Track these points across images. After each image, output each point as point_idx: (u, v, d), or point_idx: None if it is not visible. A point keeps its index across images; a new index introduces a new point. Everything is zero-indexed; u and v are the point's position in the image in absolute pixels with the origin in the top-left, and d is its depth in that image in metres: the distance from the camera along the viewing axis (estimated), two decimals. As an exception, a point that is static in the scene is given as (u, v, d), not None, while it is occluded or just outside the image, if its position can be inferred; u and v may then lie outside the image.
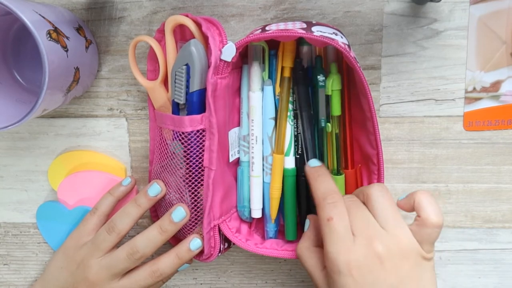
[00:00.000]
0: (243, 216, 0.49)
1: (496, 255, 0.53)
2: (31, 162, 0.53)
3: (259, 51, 0.45)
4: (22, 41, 0.48)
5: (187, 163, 0.45)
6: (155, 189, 0.46)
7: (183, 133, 0.44)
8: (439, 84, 0.49)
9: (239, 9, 0.48)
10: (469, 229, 0.53)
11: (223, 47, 0.42)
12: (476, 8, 0.47)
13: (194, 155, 0.44)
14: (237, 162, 0.49)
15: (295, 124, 0.46)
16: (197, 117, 0.43)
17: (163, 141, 0.46)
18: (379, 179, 0.44)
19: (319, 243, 0.42)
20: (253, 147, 0.47)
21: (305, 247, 0.42)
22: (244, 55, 0.46)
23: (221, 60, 0.42)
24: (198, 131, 0.44)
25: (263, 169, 0.47)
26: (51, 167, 0.52)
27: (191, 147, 0.44)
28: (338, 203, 0.39)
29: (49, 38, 0.39)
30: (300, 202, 0.48)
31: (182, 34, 0.46)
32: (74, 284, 0.47)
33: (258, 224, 0.50)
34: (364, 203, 0.41)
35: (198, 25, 0.43)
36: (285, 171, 0.46)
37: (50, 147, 0.52)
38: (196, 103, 0.43)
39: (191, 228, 0.47)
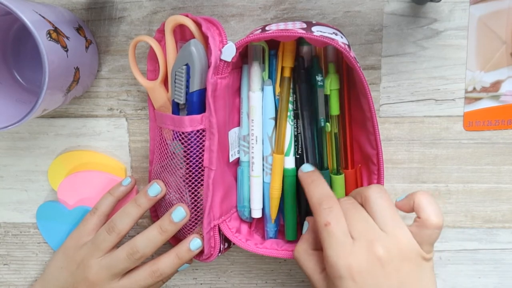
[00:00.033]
0: (243, 216, 0.49)
1: (496, 255, 0.53)
2: (31, 162, 0.53)
3: (259, 51, 0.45)
4: (22, 41, 0.48)
5: (187, 163, 0.45)
6: (155, 189, 0.46)
7: (183, 133, 0.44)
8: (439, 84, 0.49)
9: (239, 9, 0.48)
10: (469, 229, 0.53)
11: (223, 47, 0.42)
12: (476, 8, 0.47)
13: (194, 155, 0.44)
14: (237, 162, 0.49)
15: (295, 124, 0.46)
16: (197, 117, 0.43)
17: (163, 141, 0.46)
18: (379, 179, 0.44)
19: (318, 246, 0.42)
20: (253, 147, 0.47)
21: (303, 250, 0.42)
22: (244, 55, 0.46)
23: (221, 60, 0.42)
24: (198, 131, 0.44)
25: (263, 169, 0.47)
26: (51, 167, 0.52)
27: (191, 147, 0.44)
28: (334, 207, 0.39)
29: (49, 38, 0.39)
30: (300, 202, 0.48)
31: (182, 34, 0.46)
32: (74, 284, 0.47)
33: (258, 224, 0.50)
34: (362, 205, 0.40)
35: (198, 25, 0.43)
36: (285, 171, 0.46)
37: (50, 147, 0.52)
38: (196, 103, 0.43)
39: (191, 228, 0.47)
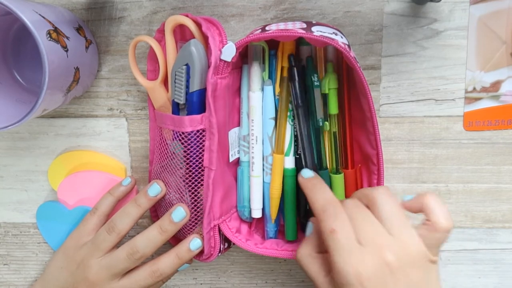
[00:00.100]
0: (243, 216, 0.49)
1: (496, 255, 0.53)
2: (31, 162, 0.53)
3: (259, 51, 0.45)
4: (22, 41, 0.48)
5: (187, 163, 0.45)
6: (155, 189, 0.46)
7: (183, 133, 0.44)
8: (439, 84, 0.49)
9: (239, 9, 0.48)
10: (469, 229, 0.53)
11: (223, 47, 0.42)
12: (476, 8, 0.47)
13: (194, 155, 0.44)
14: (237, 162, 0.49)
15: (295, 124, 0.46)
16: (197, 117, 0.43)
17: (163, 141, 0.46)
18: (379, 179, 0.44)
19: (322, 249, 0.41)
20: (253, 147, 0.47)
21: (307, 253, 0.41)
22: (244, 55, 0.46)
23: (221, 60, 0.42)
24: (198, 131, 0.44)
25: (263, 169, 0.47)
26: (51, 167, 0.52)
27: (191, 147, 0.44)
28: (339, 213, 0.38)
29: (49, 38, 0.39)
30: (300, 202, 0.48)
31: (182, 34, 0.46)
32: (74, 284, 0.47)
33: (258, 224, 0.50)
34: (367, 207, 0.39)
35: (198, 25, 0.43)
36: (285, 171, 0.46)
37: (50, 147, 0.52)
38: (196, 103, 0.43)
39: (191, 228, 0.47)
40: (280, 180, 0.46)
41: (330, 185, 0.47)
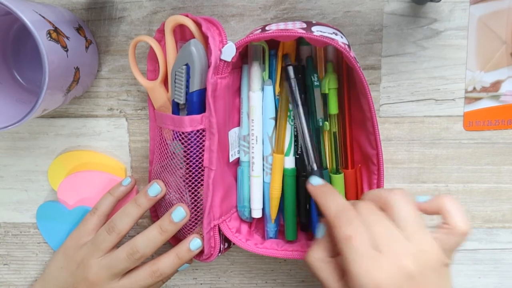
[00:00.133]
0: (243, 216, 0.49)
1: (496, 255, 0.53)
2: (31, 162, 0.53)
3: (259, 51, 0.45)
4: (22, 41, 0.48)
5: (187, 163, 0.45)
6: (155, 189, 0.46)
7: (183, 133, 0.44)
8: (439, 84, 0.49)
9: (239, 9, 0.48)
10: (469, 229, 0.53)
11: (223, 47, 0.42)
12: (476, 8, 0.47)
13: (194, 155, 0.44)
14: (237, 162, 0.49)
15: (296, 123, 0.46)
16: (197, 117, 0.43)
17: (163, 141, 0.46)
18: (379, 179, 0.44)
19: (333, 253, 0.39)
20: (253, 147, 0.47)
21: (319, 258, 0.39)
22: (244, 55, 0.46)
23: (221, 60, 0.42)
24: (198, 131, 0.44)
25: (263, 169, 0.47)
26: (51, 167, 0.52)
27: (191, 147, 0.44)
28: (353, 219, 0.37)
29: (49, 38, 0.39)
30: (300, 202, 0.48)
31: (182, 34, 0.46)
32: (74, 284, 0.47)
33: (258, 224, 0.50)
34: (381, 209, 0.38)
35: (198, 25, 0.43)
36: (285, 171, 0.46)
37: (50, 147, 0.52)
38: (196, 103, 0.43)
39: (191, 228, 0.47)
40: (280, 180, 0.46)
41: (330, 185, 0.47)
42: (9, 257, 0.56)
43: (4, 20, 0.46)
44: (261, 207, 0.48)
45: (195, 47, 0.42)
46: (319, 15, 0.48)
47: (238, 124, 0.48)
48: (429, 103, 0.49)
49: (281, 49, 0.45)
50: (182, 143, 0.44)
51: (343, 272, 0.37)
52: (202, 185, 0.45)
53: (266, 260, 0.55)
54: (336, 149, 0.46)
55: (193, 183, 0.45)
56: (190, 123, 0.43)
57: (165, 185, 0.47)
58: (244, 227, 0.49)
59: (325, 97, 0.45)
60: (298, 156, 0.47)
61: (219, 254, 0.48)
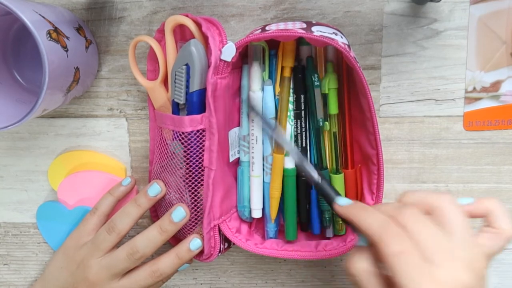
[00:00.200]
0: (243, 216, 0.49)
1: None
2: (31, 162, 0.53)
3: (259, 51, 0.45)
4: (22, 41, 0.48)
5: (187, 163, 0.45)
6: (155, 189, 0.46)
7: (183, 133, 0.44)
8: (439, 84, 0.49)
9: (239, 9, 0.48)
10: (469, 229, 0.53)
11: (223, 47, 0.42)
12: (476, 8, 0.47)
13: (194, 155, 0.44)
14: (237, 162, 0.49)
15: (295, 124, 0.46)
16: (197, 117, 0.43)
17: (163, 141, 0.46)
18: (379, 179, 0.44)
19: (376, 263, 0.36)
20: (253, 147, 0.47)
21: (365, 269, 0.36)
22: (244, 55, 0.46)
23: (221, 60, 0.42)
24: (198, 131, 0.44)
25: (263, 169, 0.47)
26: (51, 167, 0.52)
27: (191, 147, 0.44)
28: (400, 232, 0.34)
29: (49, 38, 0.39)
30: (300, 202, 0.48)
31: (182, 34, 0.46)
32: (74, 284, 0.47)
33: (258, 224, 0.50)
34: (426, 212, 0.36)
35: (198, 25, 0.43)
36: (285, 171, 0.46)
37: (50, 147, 0.52)
38: (196, 103, 0.43)
39: (191, 228, 0.47)
40: (280, 180, 0.46)
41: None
42: (9, 257, 0.56)
43: (4, 20, 0.46)
44: (261, 207, 0.48)
45: (195, 47, 0.42)
46: (319, 15, 0.48)
47: (238, 124, 0.48)
48: (429, 103, 0.49)
49: (281, 49, 0.45)
50: (182, 143, 0.44)
51: (390, 285, 0.35)
52: (202, 185, 0.45)
53: (266, 260, 0.55)
54: (336, 149, 0.46)
55: (193, 183, 0.45)
56: (190, 123, 0.43)
57: (165, 185, 0.47)
58: (244, 227, 0.49)
59: (325, 97, 0.45)
60: (298, 156, 0.47)
61: (219, 254, 0.48)
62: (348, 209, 0.38)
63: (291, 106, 0.46)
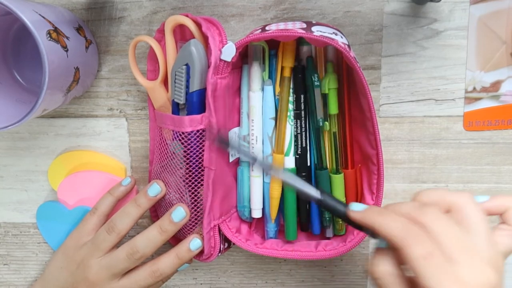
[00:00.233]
0: (243, 216, 0.49)
1: (496, 255, 0.53)
2: (31, 162, 0.53)
3: (259, 51, 0.45)
4: (22, 41, 0.48)
5: (187, 163, 0.45)
6: (155, 189, 0.46)
7: (183, 133, 0.44)
8: (439, 84, 0.49)
9: (239, 9, 0.48)
10: (469, 229, 0.53)
11: (223, 47, 0.42)
12: (476, 8, 0.47)
13: (194, 155, 0.44)
14: (237, 162, 0.49)
15: (295, 124, 0.46)
16: (197, 117, 0.43)
17: (163, 141, 0.46)
18: (379, 179, 0.44)
19: (400, 266, 0.36)
20: (253, 147, 0.47)
21: (389, 272, 0.35)
22: (244, 55, 0.46)
23: (221, 60, 0.42)
24: (198, 131, 0.44)
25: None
26: (51, 167, 0.52)
27: (191, 147, 0.44)
28: (422, 234, 0.33)
29: (49, 38, 0.39)
30: (300, 202, 0.48)
31: (182, 34, 0.46)
32: (74, 284, 0.47)
33: (258, 224, 0.50)
34: (446, 211, 0.36)
35: (198, 25, 0.43)
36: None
37: (50, 147, 0.52)
38: (196, 103, 0.43)
39: (191, 228, 0.47)
40: (280, 180, 0.46)
41: (330, 185, 0.47)
42: (9, 257, 0.56)
43: (4, 20, 0.46)
44: (261, 207, 0.48)
45: (195, 47, 0.42)
46: (319, 15, 0.48)
47: (238, 124, 0.48)
48: (429, 103, 0.49)
49: (281, 49, 0.45)
50: (182, 143, 0.44)
51: (414, 286, 0.34)
52: (202, 185, 0.45)
53: (266, 260, 0.55)
54: (336, 149, 0.46)
55: (193, 183, 0.45)
56: (190, 123, 0.43)
57: (165, 185, 0.47)
58: (244, 227, 0.49)
59: (325, 97, 0.45)
60: (298, 156, 0.47)
61: (219, 254, 0.48)
62: (365, 214, 0.38)
63: (291, 106, 0.46)
